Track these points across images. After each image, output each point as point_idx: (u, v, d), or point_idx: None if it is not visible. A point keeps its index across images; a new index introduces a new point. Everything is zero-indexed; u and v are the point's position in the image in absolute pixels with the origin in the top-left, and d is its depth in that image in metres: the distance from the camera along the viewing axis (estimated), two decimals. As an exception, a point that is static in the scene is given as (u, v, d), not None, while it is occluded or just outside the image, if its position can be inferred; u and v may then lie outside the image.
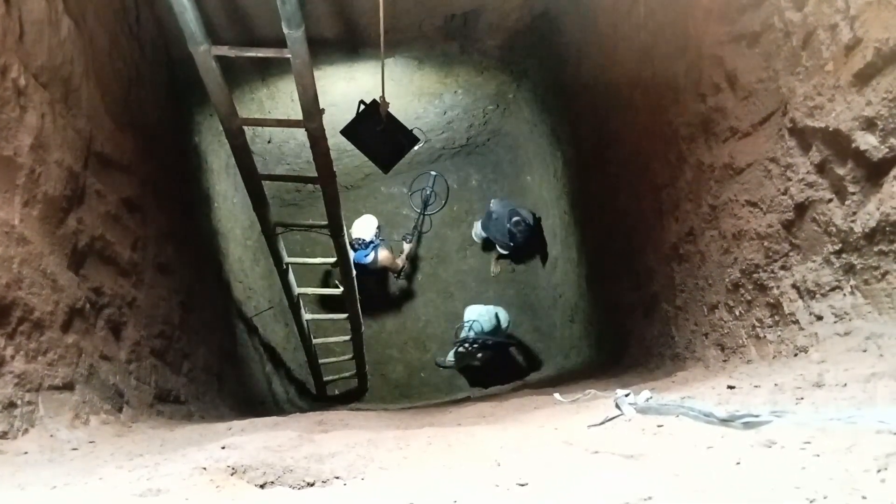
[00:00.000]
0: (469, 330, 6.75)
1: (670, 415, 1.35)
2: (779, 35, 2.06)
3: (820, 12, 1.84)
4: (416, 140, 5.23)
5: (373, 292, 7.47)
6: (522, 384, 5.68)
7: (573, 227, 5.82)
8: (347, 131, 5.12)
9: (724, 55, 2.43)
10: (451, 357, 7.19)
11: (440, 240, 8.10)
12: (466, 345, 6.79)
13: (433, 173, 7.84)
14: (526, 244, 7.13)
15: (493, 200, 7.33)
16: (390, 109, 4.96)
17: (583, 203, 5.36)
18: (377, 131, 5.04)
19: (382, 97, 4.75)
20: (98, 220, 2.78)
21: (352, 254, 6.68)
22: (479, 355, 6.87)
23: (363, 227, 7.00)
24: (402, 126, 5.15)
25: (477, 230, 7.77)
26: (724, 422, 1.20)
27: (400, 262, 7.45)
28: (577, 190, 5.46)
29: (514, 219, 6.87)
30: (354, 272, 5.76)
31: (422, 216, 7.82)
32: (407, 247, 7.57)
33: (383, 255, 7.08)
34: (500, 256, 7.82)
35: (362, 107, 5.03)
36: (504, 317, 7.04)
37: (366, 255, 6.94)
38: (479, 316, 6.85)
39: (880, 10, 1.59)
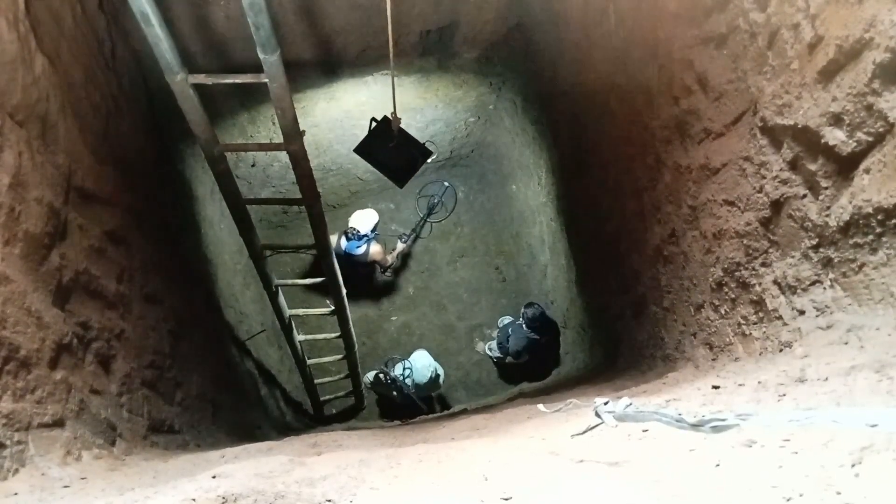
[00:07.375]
0: (403, 370, 6.75)
1: (647, 421, 1.36)
2: (745, 36, 2.09)
3: (782, 12, 1.87)
4: (429, 153, 5.25)
5: (357, 285, 7.31)
6: (518, 393, 5.67)
7: (560, 234, 5.84)
8: (361, 149, 5.12)
9: (694, 58, 2.46)
10: (369, 377, 7.17)
11: (430, 253, 8.11)
12: (389, 378, 6.81)
13: (446, 184, 7.99)
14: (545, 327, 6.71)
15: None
16: (402, 125, 4.97)
17: (568, 209, 5.39)
18: (390, 147, 5.05)
19: (394, 113, 4.75)
20: (82, 254, 2.77)
21: (344, 243, 6.90)
22: (395, 394, 6.90)
23: (362, 219, 7.05)
24: (414, 140, 5.17)
25: (493, 347, 7.54)
26: (695, 427, 1.21)
27: (390, 258, 7.55)
28: (562, 196, 5.48)
29: (526, 313, 6.66)
30: (340, 277, 5.68)
31: (423, 221, 7.98)
32: (401, 245, 7.68)
33: (375, 249, 7.16)
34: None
35: (374, 124, 5.02)
36: (441, 380, 7.00)
37: (357, 247, 6.99)
38: (421, 364, 6.79)
39: (839, 8, 1.62)
